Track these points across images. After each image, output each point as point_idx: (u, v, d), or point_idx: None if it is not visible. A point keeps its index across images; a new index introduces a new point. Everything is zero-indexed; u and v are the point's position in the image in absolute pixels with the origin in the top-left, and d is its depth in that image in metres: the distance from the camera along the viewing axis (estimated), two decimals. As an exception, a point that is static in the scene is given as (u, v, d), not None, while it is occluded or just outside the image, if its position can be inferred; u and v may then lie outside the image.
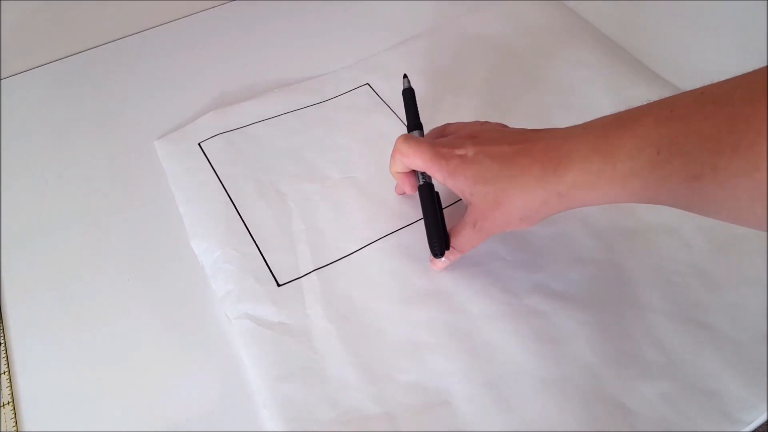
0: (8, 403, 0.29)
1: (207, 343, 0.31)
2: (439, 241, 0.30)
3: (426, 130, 0.35)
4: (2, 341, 0.31)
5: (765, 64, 0.21)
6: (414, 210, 0.36)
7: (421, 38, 0.47)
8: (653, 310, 0.30)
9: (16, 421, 0.28)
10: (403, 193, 0.35)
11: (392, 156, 0.31)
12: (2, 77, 0.45)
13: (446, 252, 0.31)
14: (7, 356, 0.31)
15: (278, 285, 0.32)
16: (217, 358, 0.30)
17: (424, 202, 0.32)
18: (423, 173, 0.32)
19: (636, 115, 0.23)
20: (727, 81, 0.21)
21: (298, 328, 0.30)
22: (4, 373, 0.30)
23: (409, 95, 0.37)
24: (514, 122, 0.43)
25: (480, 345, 0.30)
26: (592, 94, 0.42)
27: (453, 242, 0.31)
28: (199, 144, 0.40)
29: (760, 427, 0.27)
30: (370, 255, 0.34)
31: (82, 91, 0.45)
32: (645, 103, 0.24)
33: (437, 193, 0.32)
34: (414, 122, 0.36)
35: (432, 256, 0.32)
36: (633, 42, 0.45)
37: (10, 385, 0.30)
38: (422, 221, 0.35)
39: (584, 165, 0.24)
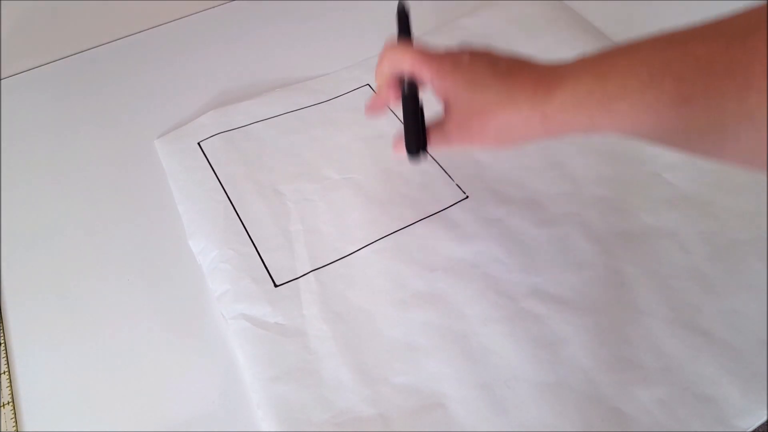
0: (8, 403, 0.29)
1: (204, 343, 0.31)
2: (416, 141, 0.30)
3: None
4: (2, 341, 0.32)
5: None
6: (413, 211, 0.36)
7: (422, 39, 0.46)
8: (651, 315, 0.30)
9: (16, 421, 0.29)
10: (376, 111, 0.33)
11: (379, 60, 0.29)
12: (2, 77, 0.45)
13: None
14: (7, 356, 0.31)
15: (275, 285, 0.32)
16: (213, 358, 0.30)
17: (406, 107, 0.30)
18: (409, 84, 0.30)
19: (634, 44, 0.23)
20: (728, 15, 0.21)
21: (294, 328, 0.31)
22: (4, 373, 0.30)
23: (403, 13, 0.33)
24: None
25: (475, 348, 0.30)
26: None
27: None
28: (198, 143, 0.40)
29: (760, 427, 0.27)
30: (368, 256, 0.34)
31: (82, 91, 0.45)
32: None
33: (421, 107, 0.30)
34: (405, 35, 0.32)
35: (395, 142, 0.31)
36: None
37: (10, 385, 0.30)
38: (421, 222, 0.35)
39: (575, 85, 0.23)
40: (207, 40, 0.48)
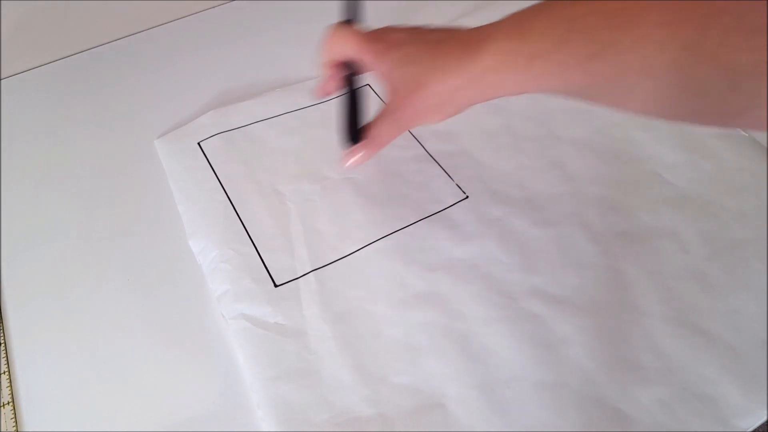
0: (8, 403, 0.29)
1: (204, 343, 0.31)
2: (353, 127, 0.29)
3: None
4: (2, 341, 0.32)
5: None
6: (413, 211, 0.36)
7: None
8: (651, 315, 0.30)
9: (16, 421, 0.29)
10: (326, 94, 0.34)
11: (324, 43, 0.31)
12: (2, 77, 0.45)
13: (363, 147, 0.30)
14: (7, 356, 0.31)
15: (275, 285, 0.32)
16: (213, 358, 0.30)
17: (344, 92, 0.31)
18: (351, 67, 0.31)
19: (552, 1, 0.23)
20: None
21: (294, 328, 0.31)
22: (4, 373, 0.30)
23: None
24: (516, 126, 0.43)
25: (475, 348, 0.30)
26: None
27: (372, 132, 0.30)
28: (198, 143, 0.40)
29: (760, 427, 0.27)
30: (368, 256, 0.34)
31: (82, 91, 0.45)
32: None
33: (359, 89, 0.31)
34: (352, 17, 0.33)
35: (345, 155, 0.31)
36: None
37: (10, 385, 0.30)
38: (421, 222, 0.35)
39: (500, 45, 0.24)
40: (207, 40, 0.48)
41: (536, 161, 0.38)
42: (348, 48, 0.29)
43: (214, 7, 0.51)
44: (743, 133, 0.38)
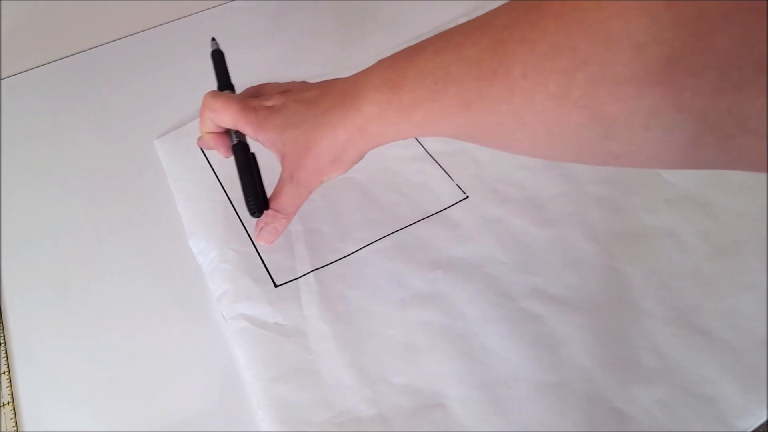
0: (8, 403, 0.29)
1: (204, 343, 0.31)
2: (255, 198, 0.28)
3: None
4: (2, 341, 0.32)
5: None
6: (413, 211, 0.36)
7: (421, 40, 0.46)
8: (651, 315, 0.30)
9: (16, 421, 0.29)
10: (207, 148, 0.33)
11: (201, 114, 0.30)
12: (2, 77, 0.45)
13: (272, 220, 0.29)
14: (7, 356, 0.31)
15: (275, 285, 0.32)
16: (213, 358, 0.30)
17: (239, 160, 0.30)
18: (236, 132, 0.30)
19: (421, 46, 0.23)
20: (495, 7, 0.21)
21: (294, 329, 0.31)
22: (4, 373, 0.30)
23: (218, 56, 0.34)
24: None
25: (475, 348, 0.30)
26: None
27: (274, 204, 0.29)
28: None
29: (760, 427, 0.27)
30: (368, 256, 0.34)
31: (82, 90, 0.45)
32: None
33: (253, 154, 0.30)
34: (224, 83, 0.33)
35: (257, 231, 0.30)
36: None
37: (10, 385, 0.30)
38: (421, 222, 0.35)
39: (376, 97, 0.24)
40: (207, 40, 0.48)
41: (536, 161, 0.38)
42: (225, 120, 0.29)
43: (214, 7, 0.51)
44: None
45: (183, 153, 0.39)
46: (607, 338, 0.30)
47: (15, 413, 0.29)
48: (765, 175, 0.36)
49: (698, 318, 0.30)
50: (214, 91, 0.30)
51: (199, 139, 0.32)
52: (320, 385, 0.28)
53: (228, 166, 0.38)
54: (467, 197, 0.36)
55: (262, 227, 0.30)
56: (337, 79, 0.27)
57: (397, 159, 0.38)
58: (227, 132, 0.31)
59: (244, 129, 0.28)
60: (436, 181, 0.37)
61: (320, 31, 0.49)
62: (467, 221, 0.35)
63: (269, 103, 0.28)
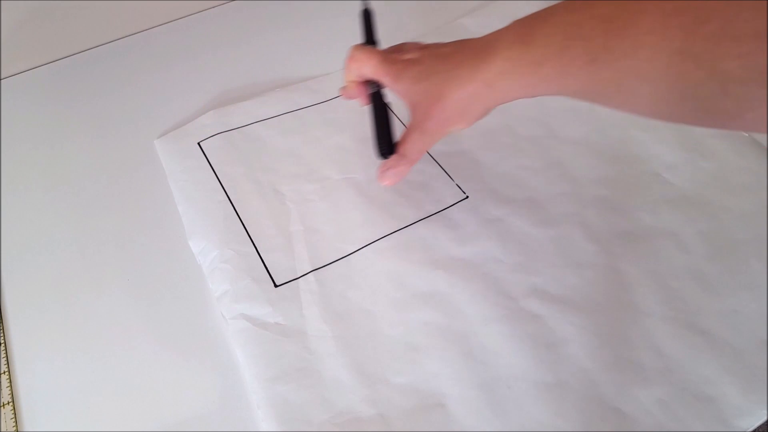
0: (8, 403, 0.29)
1: (204, 343, 0.31)
2: (385, 141, 0.31)
3: None
4: (2, 341, 0.32)
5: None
6: (413, 211, 0.36)
7: (423, 39, 0.46)
8: (651, 315, 0.30)
9: (16, 421, 0.29)
10: (349, 97, 0.36)
11: (347, 64, 0.32)
12: (2, 77, 0.45)
13: (395, 164, 0.31)
14: (7, 356, 0.31)
15: (275, 286, 0.32)
16: (214, 358, 0.30)
17: (374, 107, 0.32)
18: (375, 83, 0.33)
19: (553, 8, 0.25)
20: None
21: (294, 329, 0.31)
22: (4, 373, 0.30)
23: (367, 15, 0.36)
24: (516, 126, 0.43)
25: (475, 348, 0.30)
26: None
27: (402, 149, 0.31)
28: (198, 143, 0.40)
29: (760, 427, 0.27)
30: (368, 256, 0.34)
31: (82, 91, 0.45)
32: None
33: (388, 103, 0.33)
34: (370, 39, 0.35)
35: (380, 172, 0.32)
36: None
37: (10, 385, 0.30)
38: (421, 222, 0.35)
39: (507, 53, 0.25)
40: (207, 40, 0.48)
41: (536, 161, 0.38)
42: (366, 70, 0.31)
43: (214, 7, 0.51)
44: (743, 133, 0.38)
45: (183, 153, 0.39)
46: (608, 338, 0.30)
47: (15, 413, 0.29)
48: (765, 175, 0.36)
49: (698, 318, 0.30)
50: (360, 44, 0.33)
51: (342, 88, 0.35)
52: (320, 385, 0.28)
53: (228, 167, 0.38)
54: (467, 197, 0.36)
55: (385, 169, 0.32)
56: (472, 38, 0.28)
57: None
58: (367, 82, 0.33)
59: (383, 79, 0.31)
60: (436, 181, 0.37)
61: (320, 31, 0.49)
62: (467, 221, 0.35)
63: (407, 56, 0.30)
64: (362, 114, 0.42)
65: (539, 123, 0.40)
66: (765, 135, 0.38)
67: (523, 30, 0.25)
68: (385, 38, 0.47)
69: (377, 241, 0.34)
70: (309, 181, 0.37)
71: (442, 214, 0.35)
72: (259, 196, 0.37)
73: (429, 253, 0.33)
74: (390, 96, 0.33)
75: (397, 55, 0.31)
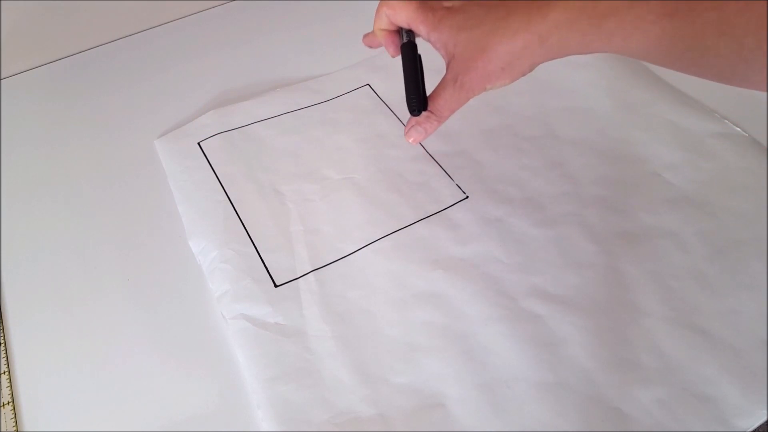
0: (8, 403, 0.29)
1: (204, 343, 0.31)
2: (417, 96, 0.28)
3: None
4: (2, 341, 0.32)
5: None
6: (413, 211, 0.36)
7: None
8: (651, 315, 0.30)
9: (16, 421, 0.29)
10: (373, 46, 0.33)
11: (377, 11, 0.30)
12: (2, 77, 0.45)
13: (424, 121, 0.29)
14: (7, 356, 0.31)
15: (275, 285, 0.32)
16: (214, 358, 0.30)
17: (406, 59, 0.30)
18: (408, 32, 0.30)
19: None
20: None
21: (294, 329, 0.31)
22: (4, 373, 0.30)
23: None
24: (516, 126, 0.42)
25: (475, 348, 0.29)
26: (594, 97, 0.41)
27: (432, 106, 0.29)
28: (198, 143, 0.40)
29: (760, 427, 0.27)
30: (368, 256, 0.34)
31: (82, 90, 0.45)
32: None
33: (420, 56, 0.30)
34: None
35: (407, 128, 0.30)
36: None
37: (10, 385, 0.30)
38: (421, 222, 0.35)
39: (568, 3, 0.23)
40: (207, 40, 0.48)
41: (536, 161, 0.38)
42: (401, 17, 0.29)
43: (214, 7, 0.51)
44: (743, 132, 0.38)
45: (183, 153, 0.39)
46: (608, 338, 0.30)
47: (15, 413, 0.29)
48: (765, 175, 0.36)
49: (698, 318, 0.30)
50: None
51: (367, 35, 0.32)
52: (320, 385, 0.28)
53: (228, 167, 0.38)
54: (467, 197, 0.36)
55: (413, 126, 0.29)
56: None
57: (397, 159, 0.38)
58: (399, 31, 0.30)
59: (418, 28, 0.28)
60: (436, 181, 0.37)
61: (320, 31, 0.49)
62: (467, 221, 0.35)
63: (449, 3, 0.27)
64: (362, 115, 0.42)
65: (539, 123, 0.40)
66: (765, 134, 0.38)
67: None
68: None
69: (377, 241, 0.34)
70: (309, 181, 0.37)
71: (442, 214, 0.35)
72: (259, 196, 0.37)
73: (429, 253, 0.33)
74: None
75: (436, 2, 0.28)
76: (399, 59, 0.30)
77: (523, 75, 0.26)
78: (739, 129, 0.38)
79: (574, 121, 0.40)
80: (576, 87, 0.42)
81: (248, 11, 0.51)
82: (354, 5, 0.51)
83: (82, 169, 0.40)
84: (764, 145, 0.38)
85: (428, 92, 0.29)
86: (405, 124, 0.41)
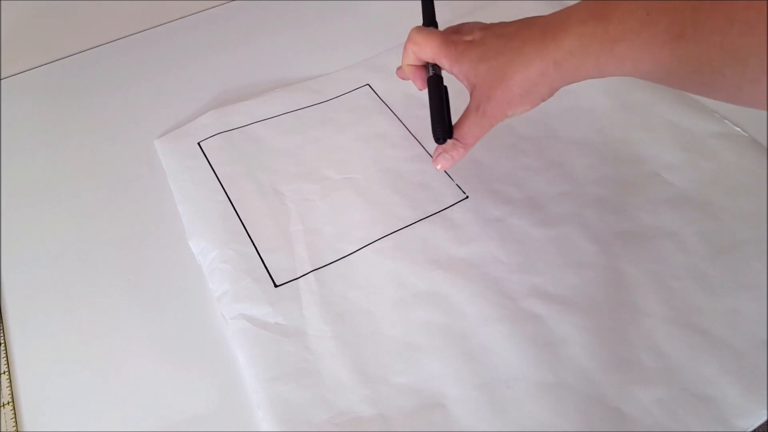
0: (8, 403, 0.29)
1: (204, 343, 0.31)
2: (442, 125, 0.30)
3: None
4: (2, 341, 0.32)
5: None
6: (413, 211, 0.36)
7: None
8: (651, 315, 0.30)
9: (16, 421, 0.29)
10: (406, 80, 0.35)
11: (405, 47, 0.32)
12: (2, 77, 0.45)
13: (451, 148, 0.30)
14: (7, 356, 0.31)
15: (275, 286, 0.32)
16: (214, 358, 0.30)
17: (432, 91, 0.31)
18: (433, 65, 0.32)
19: None
20: None
21: (294, 329, 0.31)
22: (4, 373, 0.30)
23: None
24: (516, 126, 0.42)
25: (475, 348, 0.29)
26: (594, 97, 0.41)
27: (457, 133, 0.30)
28: (198, 143, 0.40)
29: (760, 427, 0.27)
30: (368, 256, 0.34)
31: (82, 91, 0.45)
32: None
33: (446, 87, 0.31)
34: (429, 20, 0.35)
35: (435, 156, 0.31)
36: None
37: (10, 385, 0.30)
38: (421, 222, 0.35)
39: (580, 29, 0.24)
40: (207, 40, 0.48)
41: (536, 161, 0.38)
42: (425, 53, 0.30)
43: (214, 7, 0.51)
44: (743, 132, 0.38)
45: (183, 153, 0.39)
46: (608, 338, 0.30)
47: (15, 413, 0.29)
48: (765, 175, 0.36)
49: (698, 318, 0.30)
50: (419, 26, 0.32)
51: (399, 69, 0.34)
52: (320, 385, 0.28)
53: (228, 167, 0.38)
54: (467, 197, 0.36)
55: (440, 153, 0.31)
56: (538, 15, 0.27)
57: (397, 159, 0.38)
58: (425, 66, 0.32)
59: (442, 62, 0.30)
60: (436, 181, 0.37)
61: (320, 31, 0.49)
62: (467, 221, 0.35)
63: (469, 37, 0.29)
64: (362, 115, 0.42)
65: (539, 123, 0.40)
66: (765, 134, 0.38)
67: (599, 5, 0.24)
68: (386, 38, 0.47)
69: (377, 241, 0.34)
70: (309, 181, 0.37)
71: (442, 214, 0.35)
72: (259, 196, 0.37)
73: (429, 253, 0.33)
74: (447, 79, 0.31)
75: (457, 36, 0.30)
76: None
77: (543, 100, 0.27)
78: (739, 129, 0.38)
79: (574, 121, 0.40)
80: (576, 87, 0.42)
81: (248, 11, 0.51)
82: (354, 5, 0.51)
83: (82, 168, 0.40)
84: (764, 145, 0.38)
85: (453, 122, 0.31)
86: (405, 123, 0.41)
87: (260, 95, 0.43)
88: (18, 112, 0.43)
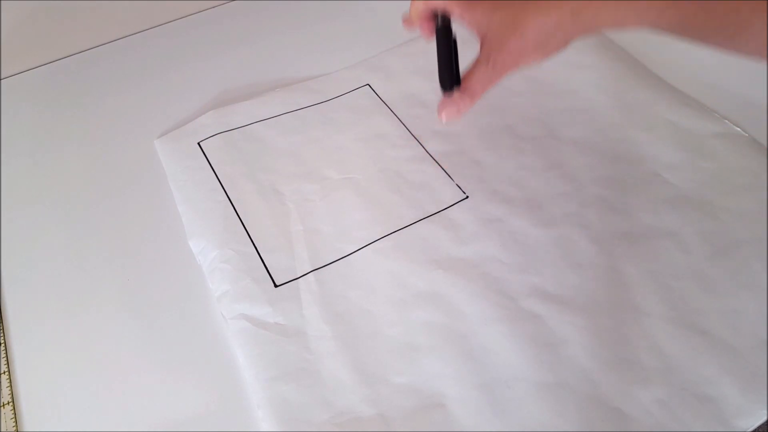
0: (8, 403, 0.29)
1: (204, 343, 0.31)
2: (450, 72, 0.29)
3: None
4: (2, 341, 0.32)
5: (766, 68, 0.21)
6: (413, 211, 0.36)
7: (423, 39, 0.46)
8: (651, 315, 0.30)
9: (16, 421, 0.29)
10: (413, 29, 0.33)
11: None
12: (2, 77, 0.45)
13: (458, 99, 0.29)
14: (7, 356, 0.31)
15: (275, 286, 0.32)
16: (214, 358, 0.30)
17: (440, 40, 0.30)
18: (443, 16, 0.31)
19: None
20: None
21: (294, 329, 0.31)
22: (4, 373, 0.30)
23: None
24: (516, 126, 0.42)
25: (475, 348, 0.30)
26: (594, 97, 0.41)
27: (465, 84, 0.29)
28: (198, 143, 0.40)
29: (760, 427, 0.27)
30: (368, 256, 0.34)
31: (82, 91, 0.45)
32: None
33: (455, 39, 0.30)
34: None
35: (440, 107, 0.29)
36: (636, 44, 0.45)
37: (10, 385, 0.30)
38: (421, 222, 0.35)
39: None
40: (207, 40, 0.48)
41: (536, 161, 0.38)
42: (436, 2, 0.29)
43: (214, 7, 0.51)
44: (743, 132, 0.38)
45: (183, 153, 0.39)
46: (608, 338, 0.30)
47: (15, 413, 0.29)
48: (765, 175, 0.36)
49: (699, 318, 0.30)
50: None
51: (406, 19, 0.33)
52: (320, 385, 0.28)
53: (228, 167, 0.38)
54: (467, 197, 0.36)
55: (445, 104, 0.29)
56: None
57: (397, 159, 0.38)
58: (434, 15, 0.31)
59: (453, 9, 0.29)
60: (436, 181, 0.37)
61: (320, 31, 0.49)
62: (467, 221, 0.35)
63: None
64: (362, 115, 0.42)
65: (539, 123, 0.40)
66: (765, 134, 0.38)
67: None
68: (386, 38, 0.47)
69: (377, 241, 0.34)
70: (309, 181, 0.37)
71: (442, 214, 0.35)
72: (259, 196, 0.37)
73: (429, 253, 0.33)
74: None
75: None
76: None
77: (558, 51, 0.26)
78: (739, 129, 0.38)
79: (574, 122, 0.40)
80: (576, 87, 0.42)
81: (248, 11, 0.51)
82: (354, 5, 0.51)
83: (82, 168, 0.40)
84: (764, 145, 0.38)
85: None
86: (405, 123, 0.41)
87: (260, 95, 0.43)
88: (18, 112, 0.43)
